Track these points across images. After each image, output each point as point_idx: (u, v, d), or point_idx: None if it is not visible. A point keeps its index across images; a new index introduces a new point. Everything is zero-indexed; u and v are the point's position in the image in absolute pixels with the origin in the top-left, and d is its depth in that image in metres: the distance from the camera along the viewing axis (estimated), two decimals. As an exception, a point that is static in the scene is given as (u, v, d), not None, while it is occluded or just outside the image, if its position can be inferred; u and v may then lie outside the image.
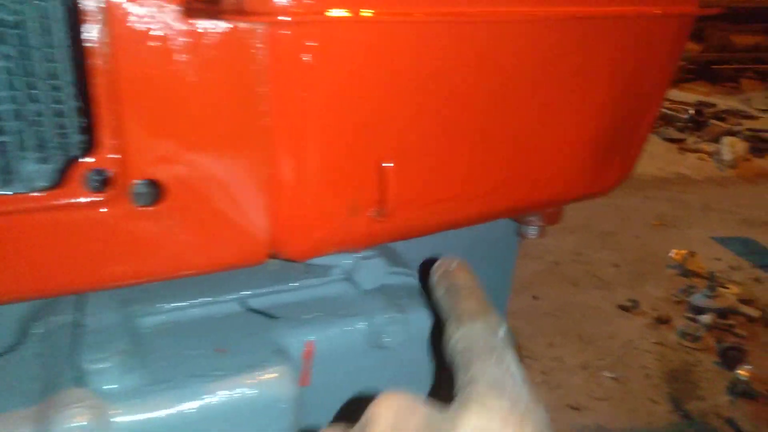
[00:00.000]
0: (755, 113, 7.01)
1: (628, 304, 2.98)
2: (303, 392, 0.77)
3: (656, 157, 5.49)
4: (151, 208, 0.57)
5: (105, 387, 0.60)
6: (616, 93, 0.79)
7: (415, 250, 1.03)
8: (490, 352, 0.47)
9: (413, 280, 0.89)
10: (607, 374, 2.43)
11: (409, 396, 0.44)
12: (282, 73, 0.55)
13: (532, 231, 0.99)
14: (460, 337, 0.50)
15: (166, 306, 0.74)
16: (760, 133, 6.10)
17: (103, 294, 0.72)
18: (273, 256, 0.68)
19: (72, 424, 0.55)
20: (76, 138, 0.74)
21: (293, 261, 0.70)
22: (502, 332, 0.51)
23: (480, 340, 0.49)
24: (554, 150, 0.78)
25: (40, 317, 0.72)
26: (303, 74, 0.56)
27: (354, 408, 0.44)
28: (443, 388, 0.47)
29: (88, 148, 0.54)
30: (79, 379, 0.61)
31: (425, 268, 0.73)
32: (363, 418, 0.44)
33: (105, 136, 0.53)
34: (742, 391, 2.32)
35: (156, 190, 0.57)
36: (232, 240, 0.61)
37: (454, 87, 0.65)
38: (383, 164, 0.64)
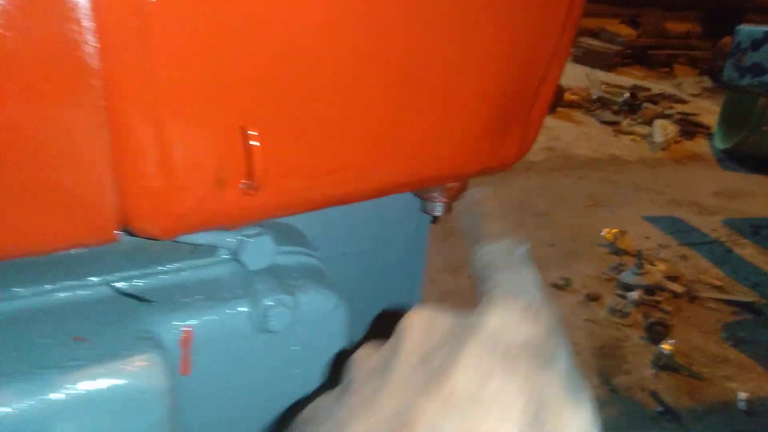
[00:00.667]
0: (686, 97, 7.27)
1: (561, 282, 3.04)
2: (185, 381, 0.72)
3: (591, 139, 5.62)
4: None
5: (-73, 383, 0.53)
6: (506, 63, 0.76)
7: (321, 229, 0.99)
8: (509, 266, 0.55)
9: (310, 259, 0.84)
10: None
11: (437, 307, 0.49)
12: (115, 25, 0.49)
13: (437, 208, 0.96)
14: (483, 255, 0.57)
15: (21, 291, 0.67)
16: (690, 117, 6.33)
17: (-55, 280, 0.65)
18: (131, 233, 0.62)
19: None
20: None
21: (157, 239, 0.64)
22: (521, 250, 0.58)
23: (500, 256, 0.56)
24: (442, 121, 0.75)
25: None
26: (141, 26, 0.50)
27: (386, 325, 0.49)
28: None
29: None
30: None
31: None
32: (395, 332, 0.48)
33: None
34: (665, 365, 2.40)
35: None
36: (71, 213, 0.55)
37: (326, 44, 0.61)
38: (246, 131, 0.59)
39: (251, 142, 0.59)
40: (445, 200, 0.94)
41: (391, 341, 0.48)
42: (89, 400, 0.59)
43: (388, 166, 0.73)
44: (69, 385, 0.58)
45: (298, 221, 0.93)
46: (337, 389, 0.49)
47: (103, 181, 0.55)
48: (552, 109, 6.02)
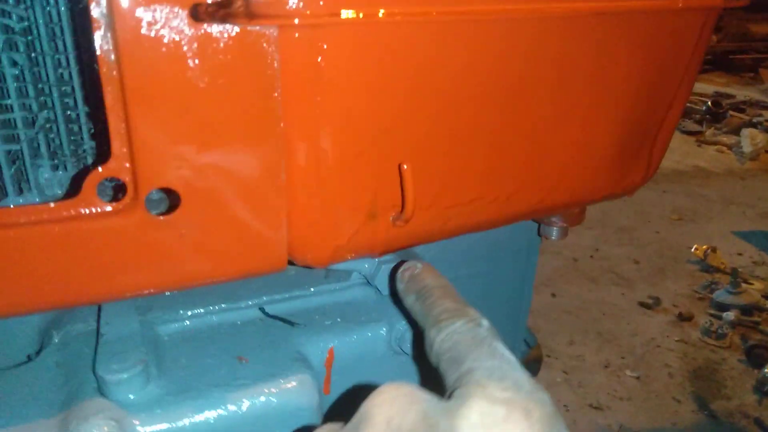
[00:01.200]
0: (775, 104, 6.89)
1: (649, 301, 2.94)
2: (324, 401, 0.76)
3: (673, 150, 5.41)
4: (166, 217, 0.56)
5: (126, 397, 0.60)
6: (638, 91, 0.77)
7: (439, 253, 1.02)
8: (480, 344, 0.46)
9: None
10: (629, 373, 2.39)
11: (407, 387, 0.43)
12: (295, 77, 0.54)
13: (554, 232, 0.97)
14: (444, 337, 0.49)
15: (185, 313, 0.74)
16: (781, 125, 5.99)
17: (122, 305, 0.72)
18: (292, 263, 0.67)
19: (95, 437, 0.54)
20: (90, 145, 0.74)
21: (312, 267, 0.69)
22: (485, 324, 0.51)
23: (466, 336, 0.48)
24: (575, 150, 0.77)
25: (59, 326, 0.71)
26: (316, 77, 0.54)
27: (349, 403, 0.42)
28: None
29: (102, 157, 0.54)
30: (101, 390, 0.60)
31: (391, 275, 0.72)
32: (358, 413, 0.42)
33: (118, 144, 0.52)
34: (768, 390, 2.28)
35: (171, 198, 0.56)
36: (249, 247, 0.60)
37: (471, 87, 0.64)
38: (402, 168, 0.63)
39: (406, 179, 0.63)
40: (564, 225, 0.95)
41: (354, 423, 0.42)
42: (255, 416, 0.64)
43: (519, 195, 0.76)
44: (239, 402, 0.63)
45: (418, 248, 0.97)
46: None
47: (278, 218, 0.60)
48: (629, 120, 5.82)
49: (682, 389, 2.32)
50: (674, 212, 4.08)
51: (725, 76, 8.25)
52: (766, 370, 2.28)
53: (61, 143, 0.72)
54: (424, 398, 0.41)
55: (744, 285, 2.91)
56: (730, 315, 2.71)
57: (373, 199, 0.65)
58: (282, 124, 0.56)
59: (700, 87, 7.43)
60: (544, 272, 3.12)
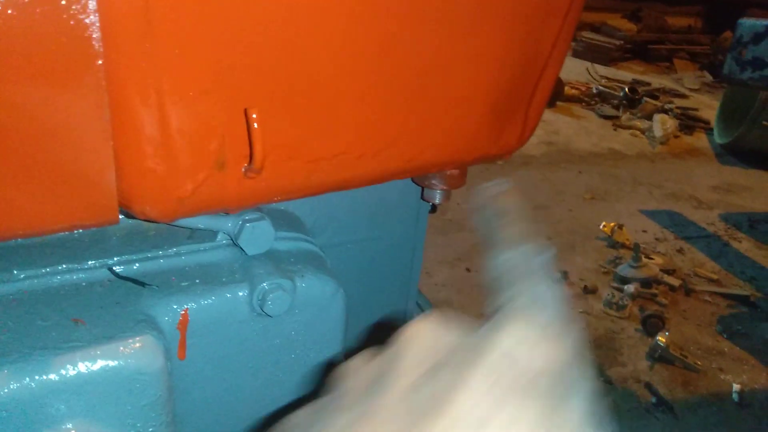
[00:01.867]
0: (686, 92, 7.26)
1: (558, 275, 3.04)
2: (181, 365, 0.72)
3: (591, 133, 5.62)
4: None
5: (-74, 362, 0.53)
6: (511, 49, 0.76)
7: (322, 218, 0.99)
8: (532, 274, 0.48)
9: (309, 246, 0.84)
10: (534, 343, 2.46)
11: (443, 317, 0.44)
12: (118, 4, 0.49)
13: (437, 195, 0.96)
14: (503, 261, 0.51)
15: (19, 274, 0.67)
16: (690, 111, 6.32)
17: (-57, 261, 0.64)
18: (131, 216, 0.62)
19: None
20: None
21: (156, 221, 0.64)
22: (545, 258, 0.51)
23: (522, 264, 0.50)
24: (448, 108, 0.75)
25: None
26: (145, 4, 0.49)
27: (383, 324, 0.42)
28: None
29: None
30: None
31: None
32: (395, 342, 0.43)
33: None
34: (660, 357, 2.40)
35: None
36: (71, 195, 0.55)
37: (332, 30, 0.60)
38: (248, 112, 0.58)
39: (253, 125, 0.59)
40: (445, 187, 0.93)
41: (390, 353, 0.43)
42: (86, 381, 0.59)
43: (389, 151, 0.73)
44: (67, 366, 0.58)
45: (298, 209, 0.93)
46: (325, 400, 0.43)
47: (105, 162, 0.54)
48: (552, 103, 6.00)
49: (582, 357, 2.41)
50: (588, 191, 4.23)
51: (643, 65, 8.62)
52: (658, 338, 2.41)
53: None
54: (459, 327, 0.43)
55: (645, 260, 3.06)
56: (630, 288, 2.84)
57: (221, 146, 0.61)
58: (100, 59, 0.50)
59: (620, 74, 7.73)
60: (461, 248, 3.16)
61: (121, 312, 0.66)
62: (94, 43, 0.49)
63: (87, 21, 0.48)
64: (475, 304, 2.74)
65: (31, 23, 0.46)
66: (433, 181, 0.92)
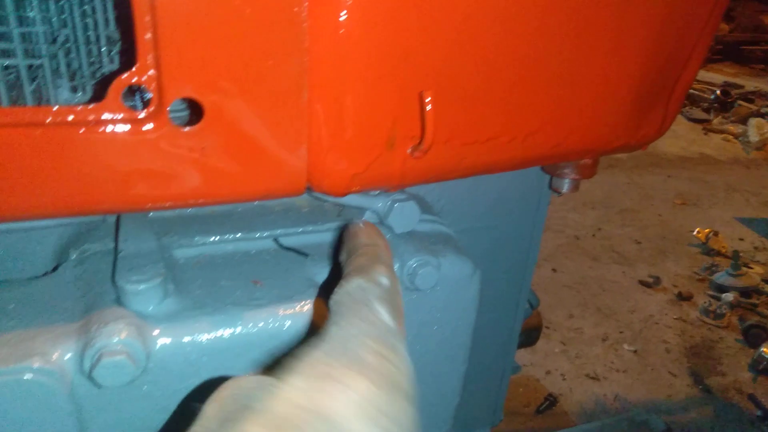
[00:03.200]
0: (784, 95, 6.85)
1: (649, 279, 2.96)
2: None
3: (680, 137, 5.40)
4: (189, 129, 0.56)
5: (145, 308, 0.61)
6: (659, 40, 0.77)
7: (448, 204, 1.03)
8: (355, 308, 0.46)
9: (443, 228, 0.88)
10: (627, 347, 2.42)
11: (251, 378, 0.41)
12: (326, -5, 0.55)
13: (565, 184, 0.97)
14: (335, 297, 0.49)
15: (200, 240, 0.75)
16: (789, 116, 5.97)
17: (139, 227, 0.73)
18: (310, 189, 0.68)
19: (114, 339, 0.55)
20: (109, 69, 0.74)
21: (330, 195, 0.70)
22: (384, 283, 0.50)
23: (350, 297, 0.48)
24: (594, 95, 0.77)
25: (75, 245, 0.72)
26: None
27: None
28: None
29: (129, 66, 0.54)
30: (120, 300, 0.61)
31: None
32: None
33: (143, 51, 0.52)
34: (764, 368, 2.30)
35: (194, 111, 0.57)
36: (269, 168, 0.61)
37: (496, 19, 0.64)
38: (423, 95, 0.63)
39: (427, 107, 0.63)
40: (576, 177, 0.95)
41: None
42: (268, 335, 0.65)
43: (536, 137, 0.76)
44: (256, 320, 0.65)
45: (428, 194, 0.97)
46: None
47: (300, 139, 0.60)
48: (637, 105, 5.79)
49: (678, 364, 2.34)
50: (678, 197, 4.08)
51: (735, 67, 8.20)
52: (762, 349, 2.30)
53: (80, 65, 0.73)
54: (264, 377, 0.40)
55: (744, 268, 2.93)
56: (729, 296, 2.73)
57: (393, 127, 0.66)
58: (306, 42, 0.56)
59: (709, 76, 7.39)
60: (546, 248, 3.13)
61: (292, 277, 0.72)
62: (302, 23, 0.55)
63: (300, 6, 0.54)
64: (562, 304, 2.71)
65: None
66: (565, 170, 0.94)
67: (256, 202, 0.83)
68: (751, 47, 8.55)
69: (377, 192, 0.83)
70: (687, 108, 6.13)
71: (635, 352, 2.40)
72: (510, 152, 0.76)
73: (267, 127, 0.59)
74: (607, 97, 0.78)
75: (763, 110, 6.05)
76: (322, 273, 0.75)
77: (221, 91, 0.56)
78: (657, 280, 2.96)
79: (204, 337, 0.62)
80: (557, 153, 0.80)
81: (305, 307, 0.67)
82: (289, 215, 0.83)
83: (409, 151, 0.68)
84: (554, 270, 2.99)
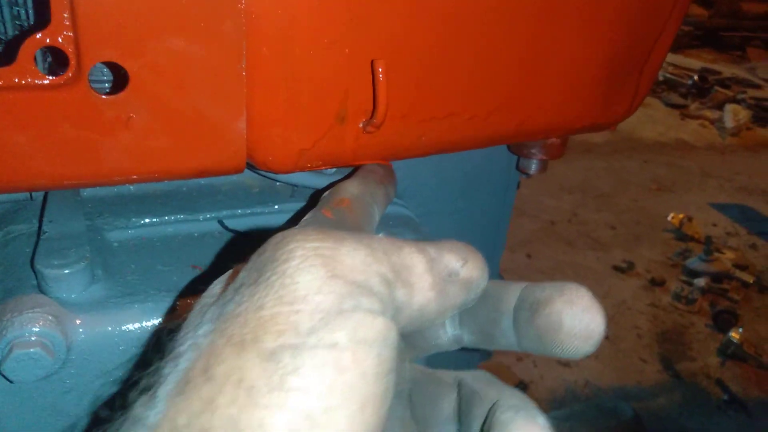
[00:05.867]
0: (760, 82, 6.90)
1: (623, 265, 2.96)
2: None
3: (657, 122, 5.42)
4: (112, 97, 0.51)
5: (67, 295, 0.56)
6: (626, 18, 0.73)
7: (412, 186, 0.98)
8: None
9: (405, 210, 0.84)
10: (599, 333, 2.41)
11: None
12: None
13: (533, 165, 0.93)
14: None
15: (138, 221, 0.69)
16: (764, 102, 6.01)
17: (68, 206, 0.67)
18: (253, 167, 0.63)
19: (27, 330, 0.50)
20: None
21: (275, 172, 0.65)
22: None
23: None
24: (561, 71, 0.73)
25: (0, 226, 0.66)
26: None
27: None
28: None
29: (43, 25, 0.48)
30: (40, 287, 0.56)
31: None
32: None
33: (58, 8, 0.47)
34: (732, 353, 2.31)
35: (118, 77, 0.51)
36: (204, 141, 0.55)
37: (457, -16, 0.59)
38: (375, 64, 0.58)
39: (379, 77, 0.58)
40: (544, 157, 0.91)
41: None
42: (206, 326, 0.61)
43: (500, 114, 0.72)
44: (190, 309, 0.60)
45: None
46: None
47: (237, 110, 0.55)
48: (615, 90, 5.78)
49: (649, 350, 2.35)
50: (654, 182, 4.09)
51: (713, 53, 8.23)
52: (731, 334, 2.32)
53: (4, 25, 0.66)
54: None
55: (716, 254, 2.94)
56: (700, 281, 2.74)
57: (344, 99, 0.60)
58: (243, 3, 0.51)
59: (688, 62, 7.41)
60: (521, 234, 3.11)
61: (235, 262, 0.67)
62: (238, -14, 0.49)
63: (234, -38, 0.48)
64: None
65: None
66: (532, 150, 0.90)
67: (202, 182, 0.78)
68: (729, 33, 8.60)
69: (333, 170, 0.78)
70: (665, 93, 6.15)
71: (607, 338, 2.40)
72: (472, 130, 0.71)
73: (200, 95, 0.54)
74: (574, 74, 0.74)
75: (739, 96, 6.09)
76: (269, 257, 0.70)
77: (147, 55, 0.51)
78: (630, 266, 2.96)
79: (133, 327, 0.57)
80: (522, 131, 0.76)
81: (247, 294, 0.63)
82: (238, 196, 0.78)
83: (361, 125, 0.63)
84: (529, 256, 2.97)
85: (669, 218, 3.33)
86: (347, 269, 0.29)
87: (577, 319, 0.34)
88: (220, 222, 0.73)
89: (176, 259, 0.65)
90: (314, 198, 0.74)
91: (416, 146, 0.70)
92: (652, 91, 6.18)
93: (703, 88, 6.09)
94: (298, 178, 0.75)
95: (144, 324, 0.57)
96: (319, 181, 0.76)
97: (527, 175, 0.98)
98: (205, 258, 0.67)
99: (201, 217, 0.73)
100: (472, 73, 0.67)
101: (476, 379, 0.38)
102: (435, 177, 0.98)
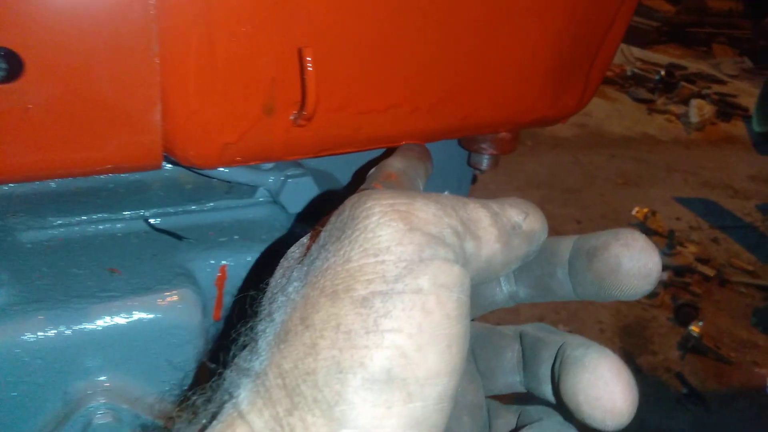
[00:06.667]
0: (724, 78, 7.04)
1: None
2: (215, 327, 0.69)
3: (625, 116, 5.48)
4: (5, 85, 0.46)
5: (-42, 304, 0.51)
6: (575, 8, 0.70)
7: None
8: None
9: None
10: (562, 327, 2.42)
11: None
12: None
13: (484, 161, 0.90)
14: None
15: (54, 221, 0.64)
16: (728, 98, 6.13)
17: (-24, 204, 0.62)
18: (175, 162, 0.59)
19: None
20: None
21: (199, 168, 0.60)
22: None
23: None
24: (510, 62, 0.69)
25: None
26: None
27: None
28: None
29: None
30: (-72, 295, 0.51)
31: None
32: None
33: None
34: (692, 347, 2.34)
35: (12, 63, 0.46)
36: (113, 134, 0.51)
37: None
38: (302, 52, 0.54)
39: (307, 66, 0.55)
40: (494, 152, 0.88)
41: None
42: (122, 333, 0.56)
43: (444, 106, 0.68)
44: (103, 316, 0.55)
45: (337, 171, 0.89)
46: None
47: (150, 100, 0.50)
48: (584, 85, 5.82)
49: (611, 344, 2.36)
50: (620, 176, 4.13)
51: (680, 49, 8.36)
52: (690, 328, 2.34)
53: None
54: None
55: (679, 248, 2.98)
56: (663, 275, 2.77)
57: (270, 89, 0.56)
58: (150, -17, 0.46)
59: (655, 57, 7.51)
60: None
61: (159, 264, 0.62)
62: (142, -37, 0.45)
63: (136, -62, 0.44)
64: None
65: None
66: (483, 145, 0.87)
67: (130, 178, 0.73)
68: (695, 30, 8.74)
69: (270, 165, 0.74)
70: (633, 88, 6.22)
71: (570, 332, 2.40)
72: (414, 123, 0.68)
73: (107, 84, 0.49)
74: (521, 66, 0.71)
75: (704, 92, 6.19)
76: (197, 258, 0.65)
77: (45, 39, 0.46)
78: (595, 259, 2.97)
79: (38, 336, 0.53)
80: (468, 125, 0.72)
81: (167, 299, 0.58)
82: (169, 193, 0.73)
83: (292, 118, 0.59)
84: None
85: (633, 212, 3.36)
86: (422, 222, 0.31)
87: (635, 260, 0.36)
88: (147, 221, 0.69)
89: (94, 262, 0.61)
90: (358, 176, 0.74)
91: (354, 140, 0.66)
92: (621, 86, 6.24)
93: (669, 84, 6.18)
94: (233, 174, 0.71)
95: (51, 333, 0.53)
96: (255, 178, 0.72)
97: (480, 170, 0.95)
98: (127, 260, 0.62)
99: (126, 216, 0.68)
100: (413, 64, 0.63)
101: (537, 328, 0.42)
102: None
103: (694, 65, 7.41)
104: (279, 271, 0.36)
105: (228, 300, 0.68)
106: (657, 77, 6.27)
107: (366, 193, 0.33)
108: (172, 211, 0.71)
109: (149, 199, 0.71)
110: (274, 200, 0.74)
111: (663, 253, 2.90)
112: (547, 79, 0.74)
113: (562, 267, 0.40)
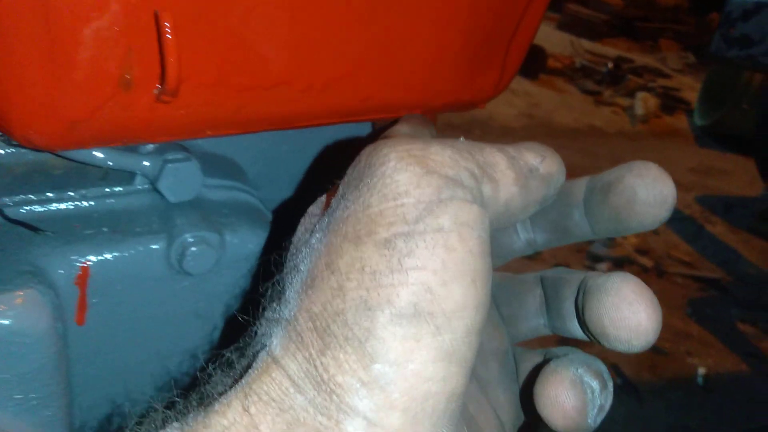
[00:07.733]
0: (669, 72, 7.20)
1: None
2: (83, 329, 0.61)
3: (572, 108, 5.54)
4: None
5: None
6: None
7: (266, 168, 0.87)
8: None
9: (247, 197, 0.73)
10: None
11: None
12: None
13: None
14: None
15: None
16: (672, 92, 6.28)
17: None
18: (12, 143, 0.50)
19: None
20: None
21: (44, 150, 0.52)
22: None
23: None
24: (416, 42, 0.63)
25: None
26: None
27: None
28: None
29: None
30: None
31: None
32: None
33: None
34: (628, 337, 2.36)
35: None
36: None
37: None
38: (158, 16, 0.46)
39: (166, 34, 0.47)
40: (410, 140, 0.82)
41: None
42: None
43: (341, 86, 0.62)
44: None
45: (239, 156, 0.81)
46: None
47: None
48: (534, 76, 5.90)
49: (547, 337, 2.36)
50: (567, 168, 4.17)
51: (628, 42, 8.53)
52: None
53: None
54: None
55: (618, 239, 3.01)
56: (602, 266, 2.80)
57: (125, 59, 0.48)
58: None
59: (604, 50, 7.63)
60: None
61: (3, 260, 0.54)
62: None
63: None
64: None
65: None
66: (397, 131, 0.81)
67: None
68: (643, 24, 8.93)
69: (152, 148, 0.66)
70: (581, 79, 6.29)
71: (510, 322, 2.39)
72: (306, 103, 0.61)
73: None
74: (430, 46, 0.64)
75: (650, 85, 6.33)
76: (53, 253, 0.57)
77: None
78: (537, 253, 2.98)
79: None
80: (370, 107, 0.66)
81: (6, 302, 0.50)
82: (32, 179, 0.64)
83: (155, 93, 0.51)
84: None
85: (577, 203, 3.39)
86: (438, 165, 0.31)
87: (650, 188, 0.37)
88: (0, 211, 0.60)
89: None
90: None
91: (236, 120, 0.59)
92: (570, 77, 6.31)
93: (617, 76, 6.29)
94: (106, 157, 0.62)
95: None
96: (131, 162, 0.64)
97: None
98: (-35, 256, 0.53)
99: (-26, 205, 0.59)
100: (304, 37, 0.56)
101: (558, 271, 0.44)
102: (293, 158, 0.87)
103: (641, 59, 7.56)
104: (300, 228, 0.38)
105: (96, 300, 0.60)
106: (605, 69, 6.37)
107: (381, 142, 0.34)
108: (33, 198, 0.62)
109: (6, 185, 0.62)
110: (154, 188, 0.66)
111: (603, 245, 2.94)
112: (459, 60, 0.68)
113: (578, 207, 0.41)
